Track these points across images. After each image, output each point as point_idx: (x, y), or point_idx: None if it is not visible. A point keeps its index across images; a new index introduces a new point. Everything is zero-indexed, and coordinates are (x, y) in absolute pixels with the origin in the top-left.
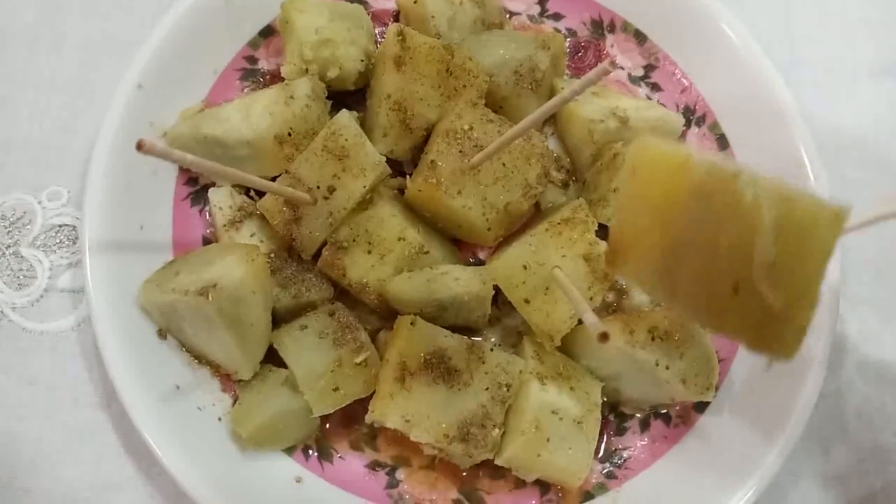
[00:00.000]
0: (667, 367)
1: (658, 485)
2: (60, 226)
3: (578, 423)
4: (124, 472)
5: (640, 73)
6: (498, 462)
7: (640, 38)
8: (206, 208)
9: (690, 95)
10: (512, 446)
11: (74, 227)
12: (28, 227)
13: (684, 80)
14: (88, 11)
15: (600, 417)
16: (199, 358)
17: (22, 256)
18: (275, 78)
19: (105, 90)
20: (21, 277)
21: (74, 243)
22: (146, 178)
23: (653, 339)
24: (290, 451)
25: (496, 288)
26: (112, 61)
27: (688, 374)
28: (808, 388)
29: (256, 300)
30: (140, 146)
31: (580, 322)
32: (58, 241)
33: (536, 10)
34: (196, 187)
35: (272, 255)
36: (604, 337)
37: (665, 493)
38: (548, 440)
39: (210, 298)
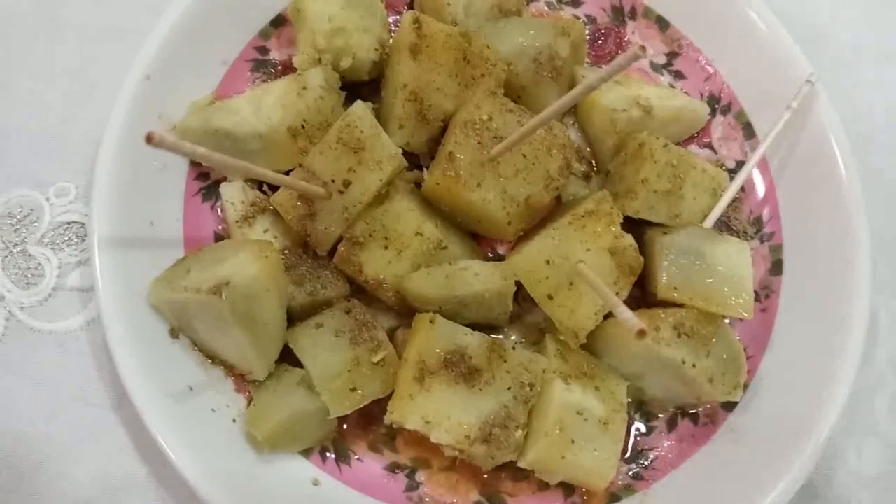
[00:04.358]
0: (693, 366)
1: (687, 486)
2: (69, 223)
3: (604, 423)
4: (135, 474)
5: (663, 60)
6: (521, 464)
7: (662, 24)
8: (218, 204)
9: (715, 83)
10: (535, 448)
11: (83, 224)
12: (35, 224)
13: (708, 68)
14: None
15: (626, 418)
16: (212, 358)
17: (30, 255)
18: (287, 69)
19: (108, 78)
20: (29, 276)
21: (83, 241)
22: (156, 173)
23: (679, 335)
24: (306, 453)
25: (517, 284)
26: (114, 49)
27: (715, 372)
28: (841, 383)
29: (271, 298)
30: (150, 139)
31: (604, 318)
32: (66, 238)
33: None
34: (207, 182)
35: (286, 252)
36: (642, 333)
37: (694, 495)
38: (572, 442)
39: (223, 297)
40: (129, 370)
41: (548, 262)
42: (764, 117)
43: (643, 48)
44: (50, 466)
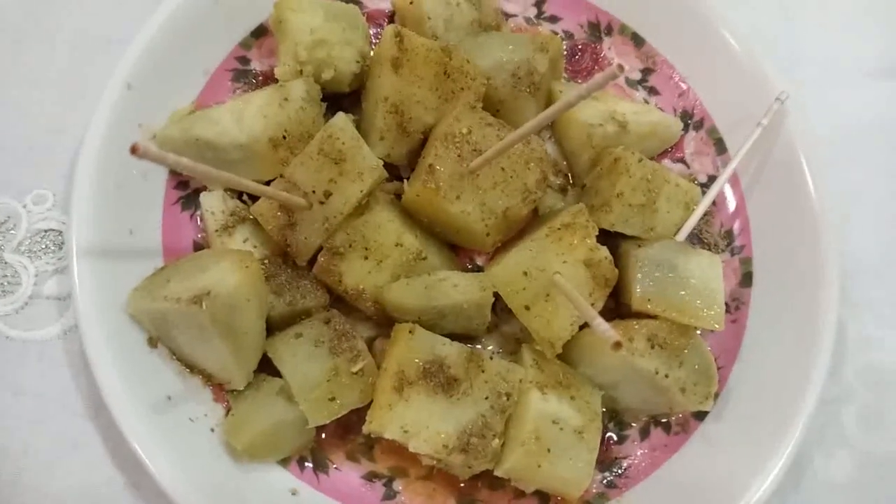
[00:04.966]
0: (666, 376)
1: (659, 493)
2: (46, 230)
3: (579, 432)
4: (113, 484)
5: (638, 76)
6: (498, 473)
7: (637, 41)
8: (198, 213)
9: (688, 99)
10: (512, 457)
11: (60, 232)
12: (12, 231)
13: (682, 84)
14: (77, 5)
15: (601, 427)
16: (191, 367)
17: (6, 262)
18: (267, 79)
19: (94, 87)
20: (5, 284)
21: (60, 248)
22: (135, 182)
23: (652, 346)
24: (284, 462)
25: (495, 294)
26: (101, 57)
27: (687, 382)
28: (809, 394)
29: (251, 308)
30: (134, 150)
31: (579, 329)
32: (43, 246)
33: (533, 12)
34: (187, 191)
35: (266, 262)
36: (617, 345)
37: (666, 502)
38: (548, 451)
39: (203, 306)
40: (108, 379)
41: (525, 274)
42: (735, 133)
43: (621, 67)
44: (28, 477)
